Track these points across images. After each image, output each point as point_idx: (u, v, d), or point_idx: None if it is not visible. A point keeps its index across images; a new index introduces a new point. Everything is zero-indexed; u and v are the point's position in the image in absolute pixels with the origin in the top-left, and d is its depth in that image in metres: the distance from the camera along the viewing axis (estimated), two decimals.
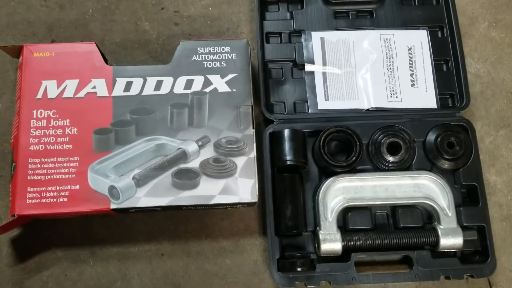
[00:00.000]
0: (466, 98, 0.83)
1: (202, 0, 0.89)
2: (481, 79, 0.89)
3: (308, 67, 0.84)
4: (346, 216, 0.77)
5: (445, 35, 0.88)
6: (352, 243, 0.73)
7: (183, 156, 0.71)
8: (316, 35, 0.86)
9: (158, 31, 0.88)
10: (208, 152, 0.72)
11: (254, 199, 0.70)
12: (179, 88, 0.75)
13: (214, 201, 0.70)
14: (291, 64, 0.85)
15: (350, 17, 0.88)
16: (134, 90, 0.74)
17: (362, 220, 0.77)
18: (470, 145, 0.80)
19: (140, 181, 0.70)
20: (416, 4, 0.90)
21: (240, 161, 0.72)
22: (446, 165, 0.79)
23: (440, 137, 0.79)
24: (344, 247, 0.73)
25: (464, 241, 0.74)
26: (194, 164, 0.71)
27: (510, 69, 0.90)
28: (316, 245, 0.75)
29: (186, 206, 0.70)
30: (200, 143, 0.72)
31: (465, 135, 0.80)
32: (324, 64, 0.84)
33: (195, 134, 0.73)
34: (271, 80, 0.84)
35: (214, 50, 0.77)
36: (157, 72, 0.75)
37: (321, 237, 0.73)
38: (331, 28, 0.87)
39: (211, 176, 0.71)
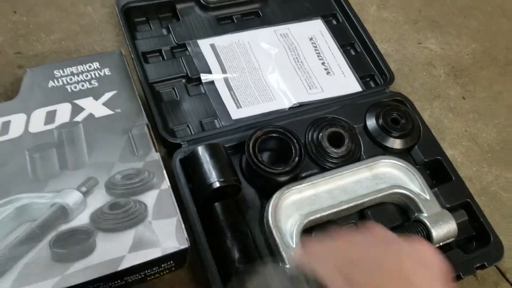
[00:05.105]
0: (388, 73, 0.73)
1: (50, 34, 0.70)
2: (392, 57, 0.81)
3: (205, 77, 0.67)
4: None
5: (341, 21, 0.80)
6: None
7: (61, 213, 0.47)
8: (204, 43, 0.71)
9: None
10: (99, 198, 0.49)
11: (184, 244, 0.48)
12: (38, 125, 0.52)
13: (125, 265, 0.46)
14: (183, 80, 0.68)
15: (236, 21, 0.76)
16: None
17: None
18: (415, 117, 0.68)
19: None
20: None
21: (149, 198, 0.50)
22: (398, 144, 0.65)
23: (382, 115, 0.66)
24: None
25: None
26: (81, 220, 0.47)
27: (415, 42, 0.83)
28: None
29: (83, 285, 0.45)
30: (84, 189, 0.49)
31: (406, 107, 0.68)
32: (224, 71, 0.69)
33: (74, 179, 0.49)
34: (164, 103, 0.66)
35: (77, 70, 0.56)
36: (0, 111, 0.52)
37: (290, 272, 0.51)
38: (218, 34, 0.73)
39: (111, 230, 0.47)
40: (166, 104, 0.66)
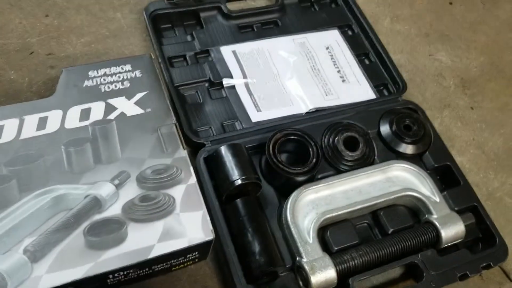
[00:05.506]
0: (401, 82, 0.76)
1: (81, 37, 0.74)
2: (405, 68, 0.84)
3: (227, 81, 0.71)
4: (325, 237, 0.60)
5: (356, 31, 0.83)
6: (346, 264, 0.56)
7: (95, 204, 0.50)
8: (226, 49, 0.74)
9: (30, 78, 0.69)
10: (131, 191, 0.52)
11: (209, 235, 0.51)
12: (73, 121, 0.55)
13: (154, 253, 0.49)
14: (206, 84, 0.71)
15: (256, 30, 0.79)
16: (8, 136, 0.53)
17: (345, 235, 0.60)
18: (426, 125, 0.71)
19: (36, 253, 0.46)
20: (317, 9, 0.85)
21: (177, 191, 0.53)
22: (410, 150, 0.69)
23: (395, 122, 0.69)
24: (339, 273, 0.55)
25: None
26: (113, 210, 0.50)
27: (426, 54, 0.87)
28: (302, 283, 0.56)
29: (114, 272, 0.48)
30: (116, 181, 0.52)
31: (417, 115, 0.71)
32: (244, 76, 0.72)
33: (108, 172, 0.53)
34: (188, 105, 0.69)
35: (110, 71, 0.60)
36: (38, 108, 0.56)
37: (307, 266, 0.55)
38: (239, 41, 0.76)
39: (141, 220, 0.50)
40: (190, 106, 0.69)
